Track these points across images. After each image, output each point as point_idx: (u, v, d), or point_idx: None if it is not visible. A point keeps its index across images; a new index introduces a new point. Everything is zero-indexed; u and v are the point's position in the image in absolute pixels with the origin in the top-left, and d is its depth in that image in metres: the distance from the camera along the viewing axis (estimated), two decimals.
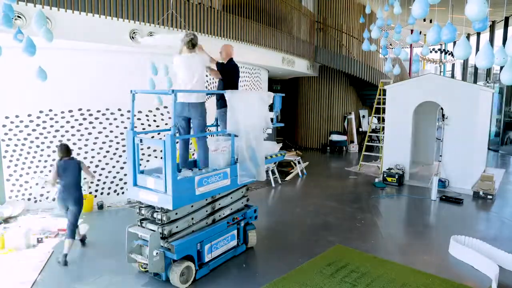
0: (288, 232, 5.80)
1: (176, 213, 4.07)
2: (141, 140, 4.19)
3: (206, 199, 4.42)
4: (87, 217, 6.33)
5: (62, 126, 6.68)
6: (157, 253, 3.88)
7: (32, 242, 5.11)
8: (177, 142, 4.61)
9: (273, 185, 8.79)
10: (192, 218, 4.26)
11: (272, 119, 5.21)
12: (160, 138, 3.80)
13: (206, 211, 4.46)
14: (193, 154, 8.02)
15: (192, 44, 4.43)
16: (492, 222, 6.62)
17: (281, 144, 5.54)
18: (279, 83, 15.75)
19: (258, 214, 5.27)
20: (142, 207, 4.23)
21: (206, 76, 7.69)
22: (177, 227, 4.09)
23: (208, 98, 8.35)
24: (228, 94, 4.50)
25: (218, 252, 4.56)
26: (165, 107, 7.50)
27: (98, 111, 6.92)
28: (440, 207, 7.27)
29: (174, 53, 4.62)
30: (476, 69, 19.37)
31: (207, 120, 4.89)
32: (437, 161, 8.96)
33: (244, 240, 5.03)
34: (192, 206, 4.24)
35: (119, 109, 7.07)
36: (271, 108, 5.11)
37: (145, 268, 4.24)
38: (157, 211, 4.05)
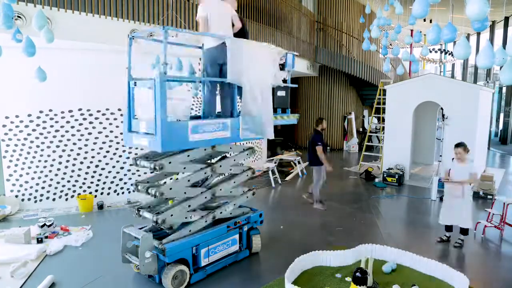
0: (288, 232, 5.80)
1: (171, 188, 3.99)
2: (135, 83, 4.08)
3: (205, 172, 4.27)
4: (87, 217, 6.34)
5: (62, 126, 6.68)
6: (150, 255, 3.82)
7: (32, 242, 5.11)
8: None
9: (273, 185, 8.78)
10: (189, 205, 4.13)
11: (285, 80, 4.77)
12: (151, 78, 3.66)
13: (205, 197, 4.30)
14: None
15: None
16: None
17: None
18: None
19: (263, 219, 5.08)
20: (137, 189, 4.21)
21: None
22: (171, 215, 3.96)
23: None
24: (229, 41, 4.19)
25: (217, 257, 4.38)
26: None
27: (98, 111, 6.92)
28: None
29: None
30: (476, 69, 19.36)
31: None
32: (437, 161, 8.96)
33: (247, 245, 4.86)
34: (185, 193, 4.10)
35: (119, 109, 7.07)
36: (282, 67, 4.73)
37: (139, 269, 4.22)
38: (152, 187, 4.00)
